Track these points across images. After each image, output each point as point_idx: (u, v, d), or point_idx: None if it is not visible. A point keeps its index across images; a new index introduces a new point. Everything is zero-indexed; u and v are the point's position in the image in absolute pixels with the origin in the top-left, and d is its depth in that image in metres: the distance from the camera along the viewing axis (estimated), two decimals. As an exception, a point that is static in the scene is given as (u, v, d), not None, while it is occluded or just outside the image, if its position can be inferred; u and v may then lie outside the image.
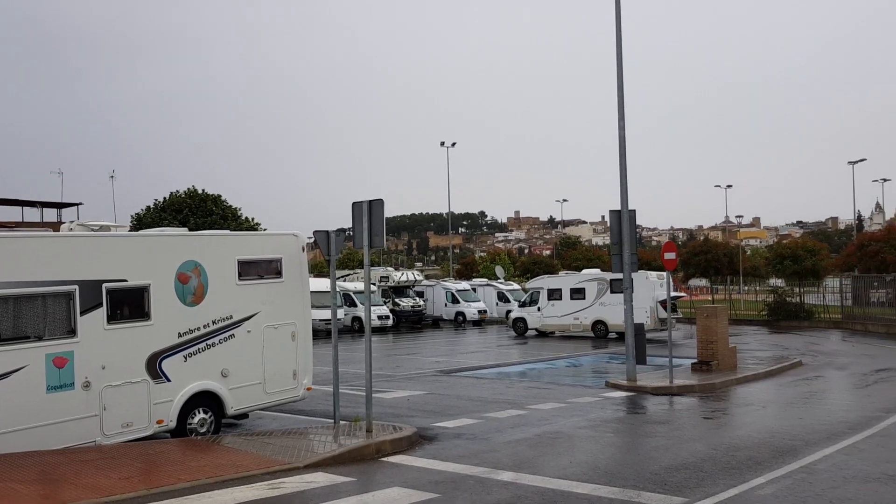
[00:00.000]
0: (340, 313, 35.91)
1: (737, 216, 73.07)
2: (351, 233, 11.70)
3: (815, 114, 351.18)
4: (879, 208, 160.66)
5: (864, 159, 55.71)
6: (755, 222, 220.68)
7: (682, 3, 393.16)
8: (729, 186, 68.46)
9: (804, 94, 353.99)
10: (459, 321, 43.41)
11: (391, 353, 27.25)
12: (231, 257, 11.84)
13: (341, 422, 12.07)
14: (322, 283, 29.43)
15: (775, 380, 18.94)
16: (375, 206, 11.15)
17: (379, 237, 11.16)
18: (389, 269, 49.43)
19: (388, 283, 42.22)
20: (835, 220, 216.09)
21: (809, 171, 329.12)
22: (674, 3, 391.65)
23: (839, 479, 8.86)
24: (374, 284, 41.03)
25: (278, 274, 12.43)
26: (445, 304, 44.23)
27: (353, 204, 11.37)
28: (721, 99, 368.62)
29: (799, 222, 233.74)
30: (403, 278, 43.20)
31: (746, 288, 59.52)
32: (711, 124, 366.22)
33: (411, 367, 22.09)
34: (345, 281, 41.39)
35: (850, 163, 55.01)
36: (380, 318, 38.15)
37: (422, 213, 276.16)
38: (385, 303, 40.60)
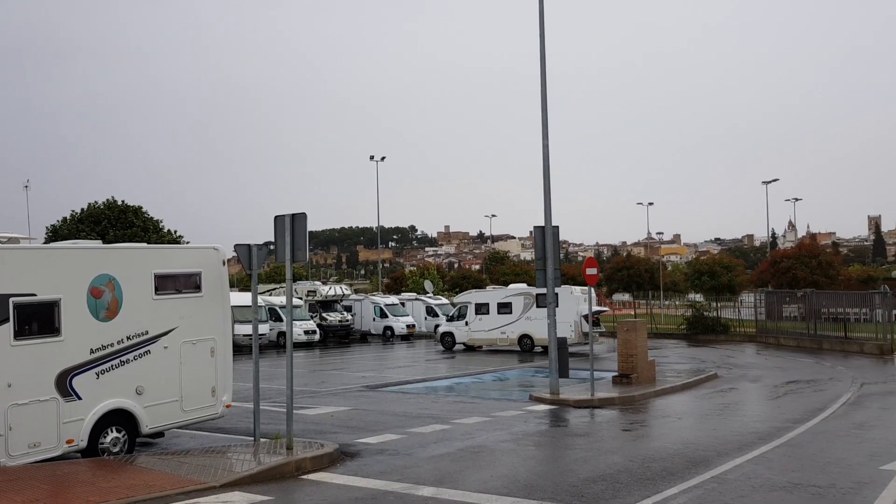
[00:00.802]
0: (265, 328, 35.32)
1: (658, 233, 75.39)
2: (274, 246, 11.55)
3: (732, 135, 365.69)
4: (792, 226, 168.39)
5: (777, 179, 58.37)
6: (676, 239, 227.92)
7: (607, 23, 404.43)
8: (651, 204, 70.47)
9: (722, 115, 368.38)
10: (388, 336, 43.25)
11: (317, 369, 26.93)
12: (147, 271, 11.53)
13: (262, 439, 11.86)
14: (246, 298, 28.82)
15: (692, 392, 19.53)
16: (298, 219, 11.05)
17: (302, 251, 11.06)
18: (317, 283, 48.93)
19: (316, 298, 41.78)
20: (751, 237, 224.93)
21: (727, 191, 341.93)
22: (598, 22, 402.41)
23: (748, 489, 9.19)
24: (300, 299, 40.53)
25: (197, 288, 12.15)
26: (374, 319, 44.03)
27: (276, 217, 11.25)
28: (645, 119, 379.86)
29: (717, 239, 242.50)
30: (331, 292, 42.85)
31: (667, 302, 61.31)
32: (636, 143, 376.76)
33: (337, 382, 21.88)
34: (270, 295, 40.73)
35: (763, 183, 57.40)
36: (306, 332, 37.69)
37: (352, 227, 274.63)
38: (312, 317, 40.14)
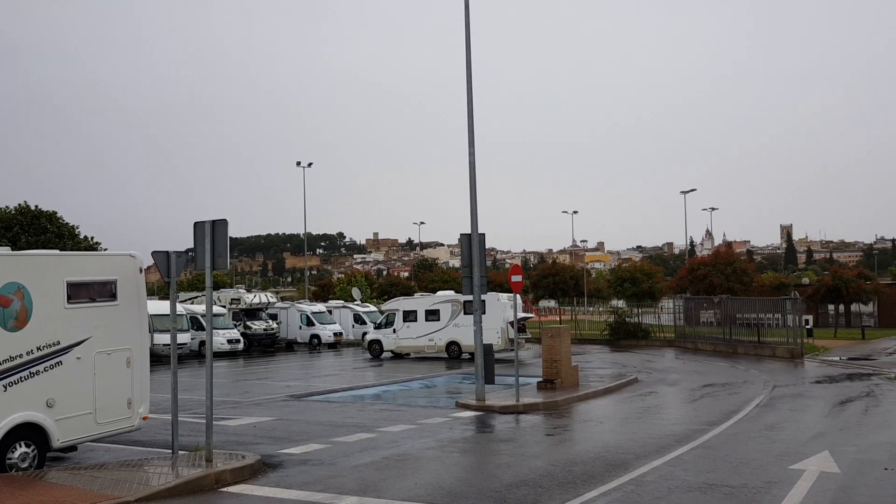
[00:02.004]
0: (187, 337, 34.39)
1: (582, 241, 77.00)
2: (193, 254, 11.28)
3: (653, 146, 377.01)
4: (709, 234, 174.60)
5: (695, 189, 60.36)
6: (600, 246, 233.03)
7: (534, 34, 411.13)
8: (576, 213, 71.71)
9: (643, 126, 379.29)
10: (314, 344, 42.75)
11: (240, 379, 26.39)
12: (59, 279, 11.08)
13: (180, 452, 11.53)
14: (166, 306, 28.04)
15: (613, 396, 19.98)
16: (219, 226, 10.82)
17: (223, 258, 10.83)
18: (241, 290, 47.99)
19: (240, 306, 40.96)
20: (671, 245, 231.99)
21: (649, 200, 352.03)
22: (526, 33, 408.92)
23: (664, 490, 9.45)
24: (224, 307, 39.69)
25: (113, 297, 11.74)
26: (300, 327, 43.45)
27: (196, 224, 10.99)
28: (571, 128, 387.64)
29: (639, 247, 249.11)
30: (256, 300, 42.07)
31: (591, 309, 62.56)
32: (562, 153, 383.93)
33: (261, 392, 21.48)
34: (192, 303, 39.75)
35: (682, 192, 59.27)
36: (229, 341, 36.94)
37: (278, 234, 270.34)
38: (236, 326, 39.34)
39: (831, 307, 53.59)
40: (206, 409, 11.11)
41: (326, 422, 15.64)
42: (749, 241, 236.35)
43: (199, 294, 42.50)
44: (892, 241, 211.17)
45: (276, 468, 11.02)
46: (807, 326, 38.60)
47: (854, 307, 53.64)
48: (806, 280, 64.08)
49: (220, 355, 36.05)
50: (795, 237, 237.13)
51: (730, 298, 39.25)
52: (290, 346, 43.45)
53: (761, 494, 9.19)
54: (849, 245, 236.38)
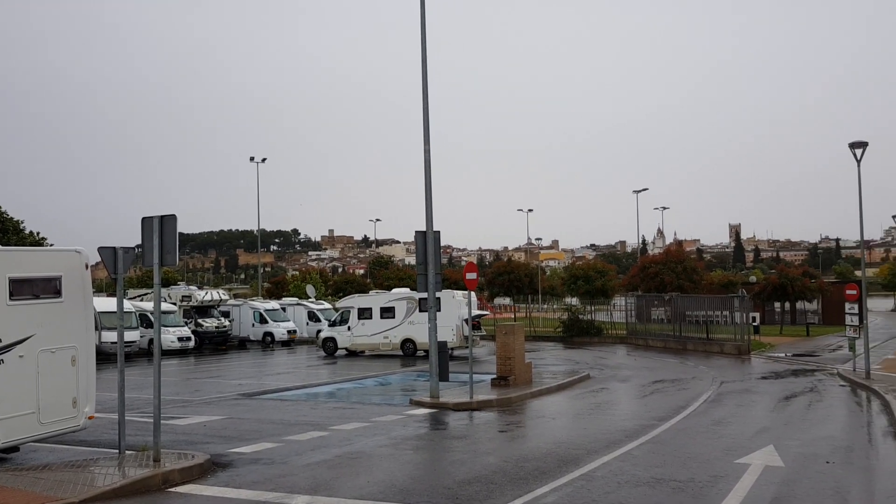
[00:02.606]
0: (136, 335, 33.69)
1: (537, 239, 77.48)
2: (141, 250, 11.05)
3: (606, 145, 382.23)
4: (661, 233, 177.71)
5: (647, 189, 61.32)
6: (554, 245, 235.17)
7: (491, 32, 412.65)
8: (531, 211, 72.17)
9: (597, 126, 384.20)
10: (268, 342, 42.27)
11: (191, 377, 25.96)
12: (1, 275, 10.74)
13: (127, 452, 11.29)
14: (114, 303, 27.50)
15: (566, 392, 20.19)
16: (167, 221, 10.62)
17: (171, 255, 10.63)
18: (193, 287, 47.18)
19: (191, 303, 40.26)
20: (623, 243, 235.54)
21: (602, 199, 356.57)
22: (482, 32, 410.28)
23: (614, 485, 9.58)
24: (174, 304, 38.99)
25: (57, 293, 11.43)
26: (253, 325, 42.92)
27: (143, 219, 10.76)
28: (527, 127, 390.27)
29: (593, 245, 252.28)
30: (207, 297, 41.40)
31: (545, 306, 63.13)
32: (518, 151, 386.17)
33: (212, 390, 21.16)
34: (142, 300, 38.96)
35: (634, 192, 60.18)
36: (180, 339, 36.27)
37: (231, 230, 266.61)
38: (187, 323, 38.64)
39: (777, 305, 54.98)
40: (153, 407, 10.90)
41: (279, 420, 15.48)
42: (699, 240, 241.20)
43: (149, 291, 41.69)
44: (836, 240, 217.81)
45: (227, 467, 10.87)
46: (754, 324, 39.56)
47: (799, 305, 55.12)
48: (753, 278, 65.62)
49: (170, 353, 35.41)
50: (744, 236, 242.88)
51: (680, 296, 39.99)
52: (243, 344, 42.90)
53: (708, 488, 9.38)
54: (795, 244, 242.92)
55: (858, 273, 31.66)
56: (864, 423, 15.35)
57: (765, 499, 8.86)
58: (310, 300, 50.33)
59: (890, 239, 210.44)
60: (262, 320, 42.78)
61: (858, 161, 23.02)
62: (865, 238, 25.64)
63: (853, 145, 22.96)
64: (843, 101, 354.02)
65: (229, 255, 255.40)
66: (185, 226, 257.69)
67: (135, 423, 14.17)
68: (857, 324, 24.81)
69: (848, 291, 25.21)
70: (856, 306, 24.80)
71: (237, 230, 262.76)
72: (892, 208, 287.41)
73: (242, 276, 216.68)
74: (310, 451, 11.98)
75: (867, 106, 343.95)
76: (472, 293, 21.65)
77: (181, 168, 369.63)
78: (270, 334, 42.34)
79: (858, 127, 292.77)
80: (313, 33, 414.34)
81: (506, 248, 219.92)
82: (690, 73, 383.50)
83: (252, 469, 10.73)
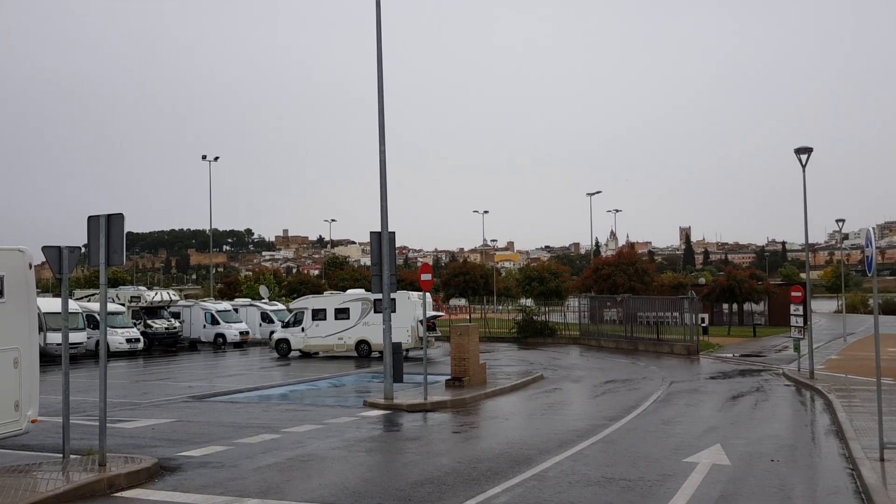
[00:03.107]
0: (82, 336, 32.88)
1: (492, 240, 77.85)
2: (87, 249, 10.78)
3: (561, 147, 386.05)
4: (613, 235, 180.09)
5: (600, 191, 62.05)
6: (510, 246, 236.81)
7: (447, 36, 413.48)
8: (486, 212, 72.60)
9: (551, 129, 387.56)
10: (219, 343, 41.68)
11: (139, 379, 25.44)
12: (-62, 275, 10.37)
13: (72, 456, 11.00)
14: (60, 304, 26.84)
15: (520, 393, 20.32)
16: (114, 220, 10.38)
17: (118, 254, 10.40)
18: (142, 288, 46.26)
19: (140, 304, 39.47)
20: (577, 245, 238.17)
21: (557, 201, 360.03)
22: (439, 35, 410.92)
23: (565, 485, 9.67)
24: (123, 305, 38.19)
25: (-1, 294, 11.08)
26: (204, 326, 42.25)
27: (90, 218, 10.51)
28: (483, 129, 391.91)
29: (547, 247, 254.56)
30: (157, 298, 40.63)
31: (500, 307, 63.45)
32: (474, 153, 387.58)
33: (161, 393, 20.76)
34: (89, 301, 38.03)
35: (588, 194, 60.87)
36: (129, 341, 35.56)
37: (183, 230, 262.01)
38: (136, 324, 37.88)
39: (725, 306, 56.18)
40: (99, 410, 10.65)
41: (229, 423, 15.26)
42: (651, 243, 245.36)
43: (96, 291, 40.69)
44: (783, 244, 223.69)
45: (175, 471, 10.66)
46: (703, 324, 40.32)
47: (746, 306, 56.40)
48: (702, 280, 66.91)
49: (118, 355, 34.69)
50: (694, 239, 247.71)
51: (632, 297, 40.59)
52: (194, 345, 42.23)
53: (656, 487, 9.53)
54: (742, 247, 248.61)
55: (804, 275, 32.51)
56: (808, 422, 15.76)
57: (711, 497, 9.03)
58: (263, 301, 49.79)
59: (834, 242, 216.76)
60: (214, 321, 42.16)
61: (804, 166, 23.64)
62: (810, 241, 26.36)
63: (799, 151, 23.57)
64: (790, 106, 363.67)
65: (180, 256, 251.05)
66: (135, 225, 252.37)
67: (80, 426, 13.82)
68: (802, 325, 25.48)
69: (793, 293, 25.87)
70: (801, 308, 25.46)
71: (189, 230, 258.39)
72: (837, 212, 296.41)
73: (194, 276, 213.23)
74: (261, 454, 11.83)
75: (813, 111, 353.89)
76: (428, 294, 21.65)
77: (131, 166, 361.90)
78: (222, 336, 41.75)
79: (805, 132, 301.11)
80: (268, 31, 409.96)
81: (462, 249, 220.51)
82: (642, 80, 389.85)
83: (201, 473, 10.55)
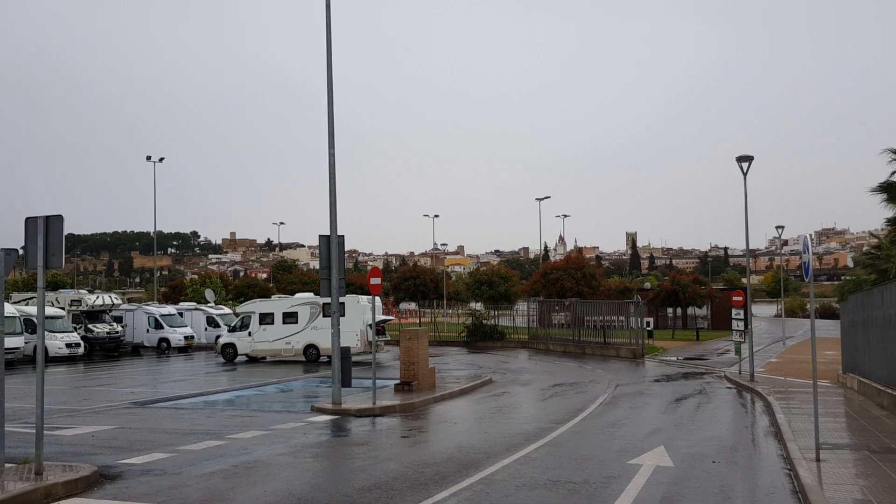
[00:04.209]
0: (20, 341, 31.90)
1: (443, 244, 78.01)
2: (24, 251, 10.45)
3: (508, 151, 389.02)
4: (562, 240, 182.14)
5: (549, 196, 62.89)
6: (460, 250, 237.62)
7: (396, 38, 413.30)
8: (436, 216, 72.57)
9: (498, 132, 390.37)
10: (163, 348, 40.82)
11: (80, 385, 24.78)
12: None
13: (7, 464, 10.61)
14: None
15: (468, 397, 20.39)
16: (53, 222, 10.09)
17: (57, 257, 10.10)
18: (83, 291, 45.04)
19: (81, 308, 38.44)
20: (526, 249, 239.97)
21: (507, 205, 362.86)
22: (388, 37, 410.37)
23: (512, 488, 9.73)
24: (63, 309, 37.14)
25: (-71, 297, 10.66)
26: (147, 330, 41.35)
27: (27, 220, 10.20)
28: (432, 132, 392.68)
29: (497, 251, 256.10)
30: (99, 302, 39.61)
31: (450, 311, 63.56)
32: (424, 156, 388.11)
33: (102, 399, 20.23)
34: (28, 304, 36.90)
35: (537, 199, 61.42)
36: (69, 346, 34.61)
37: (126, 232, 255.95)
38: (76, 329, 36.88)
39: (670, 310, 57.35)
40: (36, 417, 10.32)
41: (173, 430, 14.95)
42: (598, 247, 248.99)
43: (34, 295, 39.48)
44: (725, 249, 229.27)
45: (115, 480, 10.39)
46: (648, 328, 41.12)
47: (690, 310, 57.69)
48: (648, 284, 68.15)
49: (57, 360, 33.73)
50: (640, 244, 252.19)
51: (579, 301, 41.12)
52: (137, 350, 41.32)
53: (601, 489, 9.67)
54: (687, 252, 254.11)
55: (745, 280, 33.31)
56: (749, 424, 16.17)
57: (654, 498, 9.19)
58: (209, 305, 49.02)
59: (774, 248, 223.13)
60: (158, 326, 41.29)
61: (745, 174, 24.29)
62: (752, 247, 27.09)
63: (740, 159, 24.21)
64: (734, 116, 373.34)
65: (124, 258, 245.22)
66: (76, 227, 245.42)
67: (17, 434, 13.39)
68: (743, 329, 26.15)
69: (734, 298, 26.55)
70: (741, 312, 26.15)
71: (132, 232, 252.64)
72: (778, 219, 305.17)
73: (138, 279, 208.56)
74: (205, 461, 11.61)
75: (755, 121, 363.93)
76: (378, 298, 21.60)
77: (72, 166, 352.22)
78: (166, 340, 40.92)
79: (748, 141, 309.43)
80: (216, 31, 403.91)
81: (412, 253, 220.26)
82: (588, 87, 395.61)
83: (142, 481, 10.31)
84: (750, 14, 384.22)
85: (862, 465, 10.78)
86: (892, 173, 22.06)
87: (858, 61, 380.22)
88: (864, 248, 55.05)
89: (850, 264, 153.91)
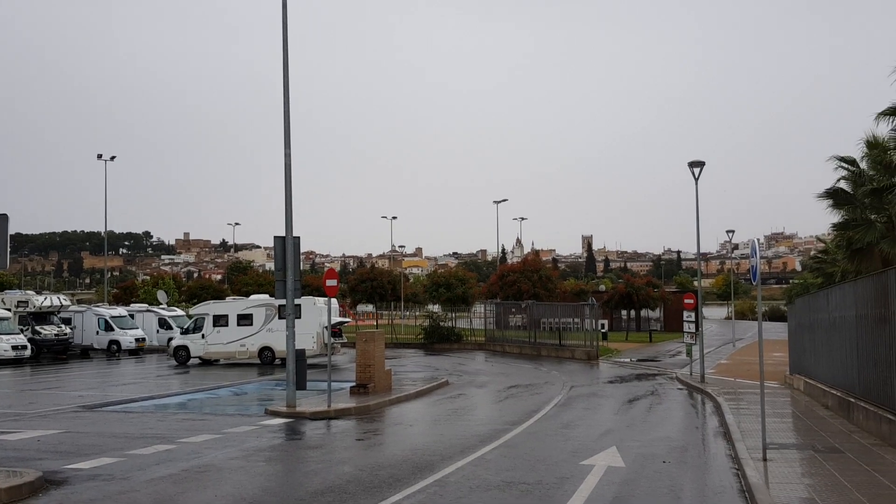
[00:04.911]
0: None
1: (400, 246, 77.88)
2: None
3: (467, 154, 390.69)
4: (519, 243, 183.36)
5: (506, 199, 63.14)
6: (418, 252, 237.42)
7: (355, 38, 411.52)
8: (394, 218, 72.55)
9: (457, 135, 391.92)
10: (113, 350, 39.99)
11: (26, 388, 24.13)
12: None
13: (-55, 472, 10.29)
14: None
15: (425, 399, 20.39)
16: (-3, 221, 9.83)
17: (1, 257, 9.84)
18: (30, 292, 43.86)
19: (28, 309, 37.45)
20: (484, 252, 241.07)
21: (465, 207, 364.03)
22: (346, 38, 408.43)
23: (466, 490, 9.76)
24: (8, 310, 36.15)
25: None
26: (97, 332, 40.47)
27: (-30, 219, 9.92)
28: (390, 135, 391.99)
29: (455, 253, 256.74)
30: (47, 303, 38.64)
31: (407, 313, 63.49)
32: (382, 158, 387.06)
33: (49, 402, 19.72)
34: (-29, 306, 35.82)
35: (495, 202, 61.74)
36: (14, 348, 33.75)
37: (76, 231, 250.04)
38: (23, 331, 35.91)
39: (624, 312, 58.16)
40: (-23, 423, 10.03)
41: (122, 434, 14.64)
42: (555, 250, 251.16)
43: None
44: (678, 252, 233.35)
45: (61, 485, 10.14)
46: (602, 330, 41.62)
47: (644, 312, 58.55)
48: (603, 287, 69.01)
49: (3, 363, 32.89)
50: (595, 247, 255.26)
51: (536, 304, 41.43)
52: (86, 352, 40.39)
53: (554, 490, 9.75)
54: (641, 255, 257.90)
55: (697, 283, 33.93)
56: (699, 424, 16.48)
57: (606, 498, 9.31)
58: (161, 306, 48.17)
59: (725, 252, 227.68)
60: (108, 328, 40.44)
61: (696, 179, 24.76)
62: (703, 251, 27.63)
63: (692, 164, 24.67)
64: (688, 121, 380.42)
65: (73, 259, 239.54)
66: (23, 226, 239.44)
67: (-44, 440, 12.98)
68: (694, 331, 26.64)
69: (686, 301, 27.03)
70: (693, 314, 26.64)
71: (83, 231, 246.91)
72: (729, 223, 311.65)
73: (88, 280, 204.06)
74: (154, 466, 11.40)
75: (706, 126, 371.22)
76: (334, 300, 21.47)
77: (20, 164, 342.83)
78: (117, 342, 40.11)
79: (699, 146, 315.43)
80: (171, 29, 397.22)
81: (370, 254, 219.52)
82: (547, 92, 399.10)
83: (89, 486, 10.07)
84: (702, 22, 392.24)
85: (807, 465, 11.06)
86: (838, 180, 22.70)
87: (807, 70, 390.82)
88: (812, 253, 56.64)
89: (799, 268, 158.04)
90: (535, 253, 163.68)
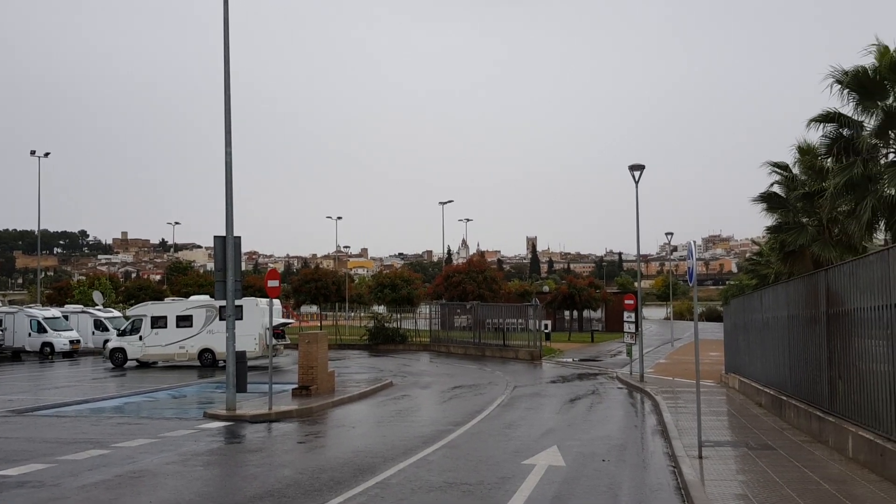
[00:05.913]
0: None
1: (346, 247, 77.35)
2: None
3: (413, 154, 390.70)
4: (465, 244, 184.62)
5: (452, 201, 63.32)
6: (364, 253, 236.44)
7: (299, 38, 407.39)
8: (339, 218, 71.99)
9: (402, 135, 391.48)
10: (47, 353, 38.73)
11: (-50, 393, 23.10)
12: None
13: None
14: None
15: (368, 400, 20.27)
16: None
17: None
18: (-43, 293, 42.20)
19: (-46, 310, 35.97)
20: (430, 252, 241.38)
21: (411, 208, 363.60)
22: (291, 38, 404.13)
23: (408, 491, 9.73)
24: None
25: None
26: (30, 334, 39.15)
27: None
28: (336, 133, 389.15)
29: (401, 254, 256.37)
30: (-25, 304, 37.17)
31: (352, 314, 63.08)
32: (328, 157, 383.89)
33: (-25, 408, 18.95)
34: None
35: (440, 203, 61.85)
36: (-61, 351, 32.27)
37: (8, 230, 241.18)
38: (-51, 333, 34.48)
39: (567, 313, 58.89)
40: None
41: (53, 439, 14.17)
42: (500, 251, 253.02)
43: None
44: (619, 254, 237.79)
45: (-14, 494, 9.76)
46: (545, 331, 42.06)
47: (586, 313, 59.36)
48: (546, 288, 69.74)
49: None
50: (539, 249, 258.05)
51: (480, 304, 41.61)
52: (17, 355, 39.05)
53: (495, 490, 9.80)
54: (584, 257, 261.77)
55: (637, 284, 34.65)
56: (638, 423, 16.76)
57: (546, 498, 9.39)
58: (97, 308, 46.85)
59: (664, 254, 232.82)
60: (41, 329, 39.16)
61: (637, 182, 25.22)
62: (643, 252, 28.17)
63: (632, 168, 25.12)
64: (629, 124, 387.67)
65: (5, 258, 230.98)
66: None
67: None
68: (634, 331, 27.12)
69: (626, 301, 27.49)
70: (633, 315, 27.10)
71: (15, 230, 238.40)
72: (669, 226, 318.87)
73: (20, 280, 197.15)
74: (87, 472, 11.05)
75: (650, 130, 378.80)
76: (276, 301, 21.18)
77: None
78: (50, 345, 38.86)
79: (642, 150, 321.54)
80: (110, 23, 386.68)
81: (314, 255, 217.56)
82: (492, 93, 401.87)
83: (17, 493, 9.71)
84: (638, 28, 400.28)
85: (741, 462, 11.35)
86: (772, 184, 23.46)
87: (748, 77, 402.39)
88: (747, 255, 58.22)
89: (735, 270, 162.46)
90: (481, 254, 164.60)
